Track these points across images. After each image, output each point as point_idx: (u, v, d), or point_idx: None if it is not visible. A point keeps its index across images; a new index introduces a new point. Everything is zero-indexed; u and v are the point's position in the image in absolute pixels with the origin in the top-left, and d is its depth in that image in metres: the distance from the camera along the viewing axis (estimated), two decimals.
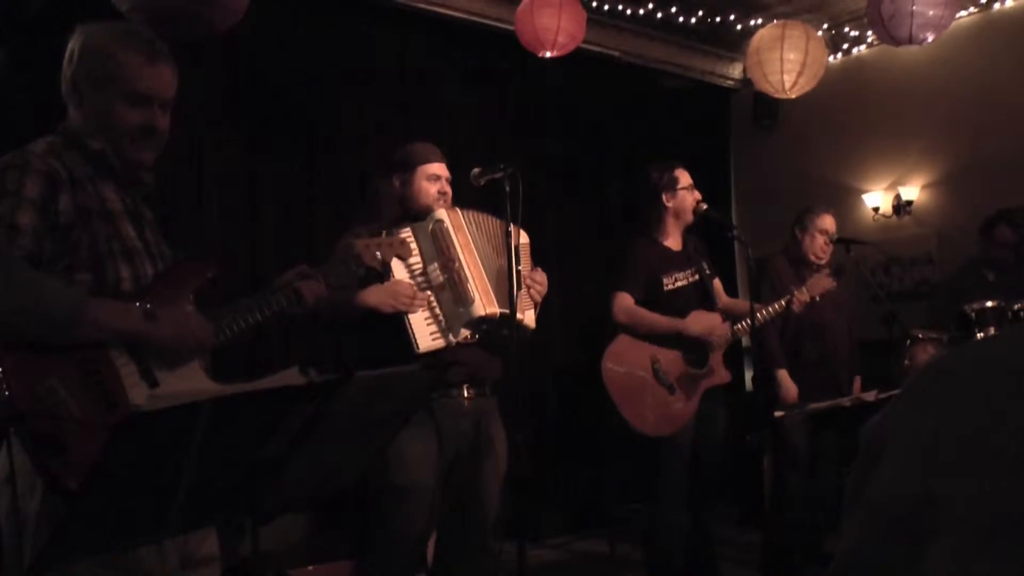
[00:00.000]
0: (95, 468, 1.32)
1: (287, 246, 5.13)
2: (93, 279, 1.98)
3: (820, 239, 4.66)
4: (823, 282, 4.35)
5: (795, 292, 4.26)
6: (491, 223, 3.35)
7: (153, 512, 1.45)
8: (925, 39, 4.67)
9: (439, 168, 3.36)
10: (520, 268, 3.28)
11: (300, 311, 2.37)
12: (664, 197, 4.15)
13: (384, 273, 2.67)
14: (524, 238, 3.41)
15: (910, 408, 0.89)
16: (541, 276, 3.41)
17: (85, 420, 1.79)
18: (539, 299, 3.39)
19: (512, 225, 3.33)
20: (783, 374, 4.48)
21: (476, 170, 3.41)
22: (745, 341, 4.91)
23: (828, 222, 4.69)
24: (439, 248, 3.19)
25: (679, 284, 4.11)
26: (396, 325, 3.09)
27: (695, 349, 4.07)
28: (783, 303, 4.22)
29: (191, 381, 2.00)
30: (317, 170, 5.44)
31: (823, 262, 4.66)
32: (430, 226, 3.20)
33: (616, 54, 6.61)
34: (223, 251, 4.89)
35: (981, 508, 0.77)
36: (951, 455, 0.81)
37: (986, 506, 0.77)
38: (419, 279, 3.17)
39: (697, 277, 4.17)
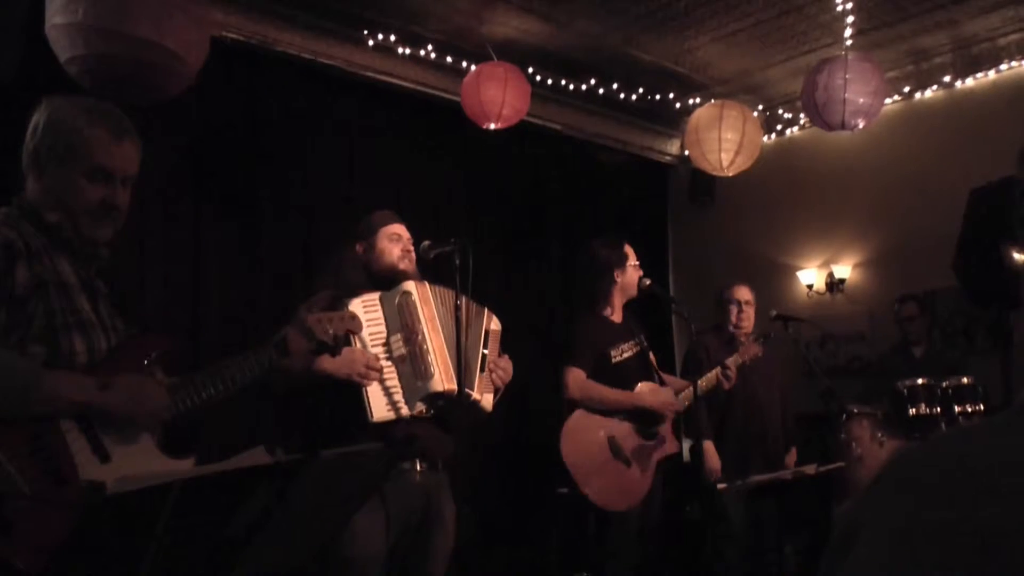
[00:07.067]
0: (58, 552, 1.28)
1: (231, 316, 5.07)
2: (47, 351, 1.94)
3: (737, 309, 4.83)
4: (751, 349, 4.47)
5: (727, 363, 4.32)
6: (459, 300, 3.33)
7: None
8: (856, 125, 4.88)
9: (400, 229, 3.37)
10: (487, 352, 3.31)
11: (286, 365, 2.34)
12: (615, 273, 4.21)
13: (336, 348, 2.64)
14: (496, 325, 3.44)
15: (882, 496, 0.91)
16: (506, 363, 3.41)
17: (33, 497, 1.73)
18: (501, 385, 3.38)
19: (487, 311, 3.39)
20: (709, 445, 4.55)
21: (426, 243, 3.43)
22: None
23: (743, 292, 4.88)
24: (404, 320, 3.18)
25: (625, 356, 4.15)
26: (350, 393, 3.05)
27: (645, 421, 4.10)
28: (715, 374, 4.29)
29: (144, 456, 1.95)
30: (262, 239, 5.39)
31: (747, 331, 4.79)
32: (396, 298, 3.19)
33: (558, 128, 6.75)
34: (165, 324, 4.79)
35: None
36: (924, 543, 0.83)
37: None
38: (380, 349, 3.15)
39: (639, 348, 4.22)
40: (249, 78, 5.36)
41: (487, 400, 3.31)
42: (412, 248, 3.36)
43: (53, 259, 2.04)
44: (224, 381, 2.15)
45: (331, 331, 2.59)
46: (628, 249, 4.25)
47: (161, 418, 2.05)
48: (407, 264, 3.31)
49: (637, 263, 4.25)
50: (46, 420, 1.85)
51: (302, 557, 1.86)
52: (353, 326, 2.77)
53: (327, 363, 2.99)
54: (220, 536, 1.53)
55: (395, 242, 3.33)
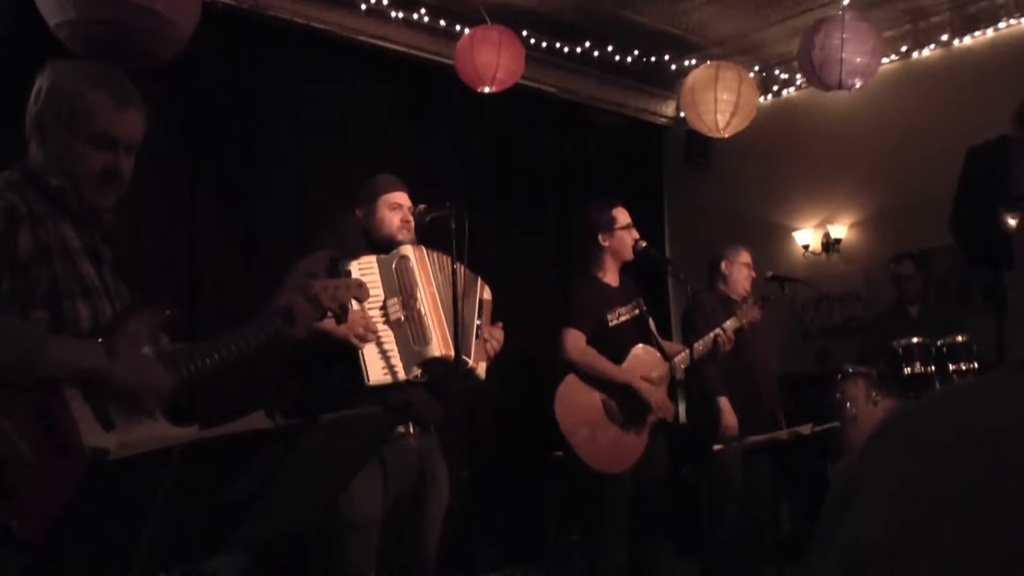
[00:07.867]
0: (60, 519, 1.29)
1: (227, 281, 5.07)
2: (51, 317, 1.94)
3: (745, 272, 4.84)
4: (752, 312, 4.47)
5: (725, 326, 4.33)
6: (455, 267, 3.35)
7: (116, 561, 1.42)
8: (854, 85, 4.86)
9: (401, 197, 3.35)
10: (480, 322, 3.33)
11: (292, 334, 2.35)
12: (601, 237, 4.17)
13: (341, 315, 2.64)
14: (488, 295, 3.46)
15: (882, 453, 0.90)
16: (499, 333, 3.45)
17: (38, 464, 1.74)
18: (492, 354, 3.42)
19: (480, 280, 3.40)
20: (724, 402, 4.54)
21: (421, 207, 3.41)
22: (680, 374, 4.97)
23: (748, 257, 4.91)
24: (401, 284, 3.19)
25: (623, 319, 4.13)
26: (346, 355, 3.06)
27: (635, 405, 4.08)
28: (712, 337, 4.29)
29: (148, 423, 1.96)
30: (255, 205, 5.37)
31: (748, 294, 4.81)
32: (394, 262, 3.19)
33: (552, 90, 6.70)
34: (162, 290, 4.76)
35: (954, 557, 0.79)
36: (924, 502, 0.83)
37: (959, 555, 0.79)
38: (376, 312, 3.14)
39: (638, 311, 4.21)
40: (240, 43, 5.30)
41: (481, 368, 3.33)
42: (412, 218, 3.35)
43: (57, 224, 2.03)
44: (229, 349, 2.16)
45: (338, 300, 2.59)
46: (618, 212, 4.20)
47: (163, 397, 2.04)
48: (405, 235, 3.31)
49: (629, 225, 4.21)
50: (50, 387, 1.85)
51: (302, 521, 1.88)
52: (360, 294, 2.77)
53: (326, 322, 2.99)
54: (221, 501, 1.54)
55: (395, 211, 3.31)
